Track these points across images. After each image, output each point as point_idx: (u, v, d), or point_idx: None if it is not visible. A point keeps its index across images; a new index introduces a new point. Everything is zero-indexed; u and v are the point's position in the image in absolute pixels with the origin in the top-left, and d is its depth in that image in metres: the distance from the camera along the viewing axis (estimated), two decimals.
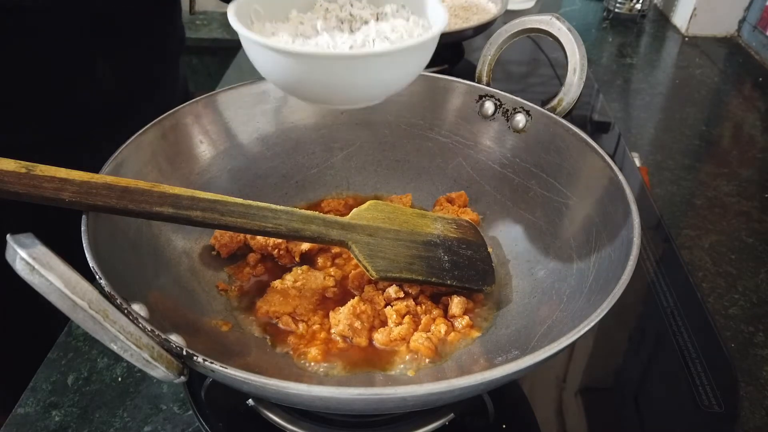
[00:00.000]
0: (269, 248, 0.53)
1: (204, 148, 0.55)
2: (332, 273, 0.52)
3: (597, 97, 0.94)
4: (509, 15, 0.87)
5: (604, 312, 0.34)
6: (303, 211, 0.45)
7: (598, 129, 0.85)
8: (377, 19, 0.43)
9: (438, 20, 0.42)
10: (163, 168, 0.51)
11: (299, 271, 0.51)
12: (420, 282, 0.48)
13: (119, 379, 0.49)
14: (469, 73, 0.60)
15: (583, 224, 0.48)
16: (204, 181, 0.54)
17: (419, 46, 0.39)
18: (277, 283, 0.50)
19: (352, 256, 0.47)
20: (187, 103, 0.53)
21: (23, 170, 0.37)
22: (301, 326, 0.47)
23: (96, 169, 0.42)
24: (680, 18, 1.26)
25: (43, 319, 0.54)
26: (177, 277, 0.48)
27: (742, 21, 1.20)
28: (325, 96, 0.42)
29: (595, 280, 0.42)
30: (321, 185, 0.61)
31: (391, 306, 0.48)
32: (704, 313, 0.55)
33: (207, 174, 0.55)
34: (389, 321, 0.47)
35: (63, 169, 0.39)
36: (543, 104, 0.55)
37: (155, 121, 0.50)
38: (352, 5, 0.44)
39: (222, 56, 1.46)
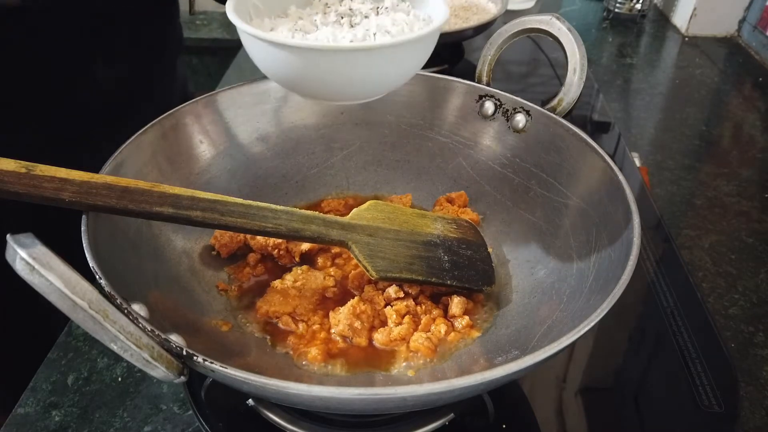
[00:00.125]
0: (269, 248, 0.53)
1: (204, 148, 0.55)
2: (332, 273, 0.52)
3: (597, 97, 0.94)
4: (509, 15, 0.87)
5: (604, 312, 0.34)
6: (303, 211, 0.45)
7: (598, 129, 0.85)
8: (377, 13, 0.43)
9: (439, 14, 0.42)
10: (163, 168, 0.51)
11: (299, 271, 0.51)
12: (420, 282, 0.48)
13: (119, 379, 0.49)
14: (469, 73, 0.60)
15: (583, 224, 0.48)
16: (204, 181, 0.54)
17: (420, 39, 0.39)
18: (277, 283, 0.50)
19: (352, 256, 0.47)
20: (187, 103, 0.53)
21: (23, 170, 0.37)
22: (301, 326, 0.47)
23: (96, 169, 0.42)
24: (680, 18, 1.26)
25: (43, 319, 0.54)
26: (177, 277, 0.48)
27: (742, 21, 1.20)
28: (325, 91, 0.42)
29: (595, 280, 0.42)
30: (321, 185, 0.61)
31: (391, 306, 0.48)
32: (704, 313, 0.55)
33: (207, 174, 0.55)
34: (389, 321, 0.47)
35: (63, 169, 0.39)
36: (543, 104, 0.55)
37: (155, 121, 0.50)
38: (352, 0, 0.44)
39: (222, 56, 1.46)
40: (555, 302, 0.45)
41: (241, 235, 0.53)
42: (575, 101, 0.54)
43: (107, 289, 0.33)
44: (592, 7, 1.37)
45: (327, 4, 0.44)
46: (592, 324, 0.33)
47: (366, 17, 0.42)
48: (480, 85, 0.58)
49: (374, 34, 0.39)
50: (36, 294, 0.29)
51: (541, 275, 0.50)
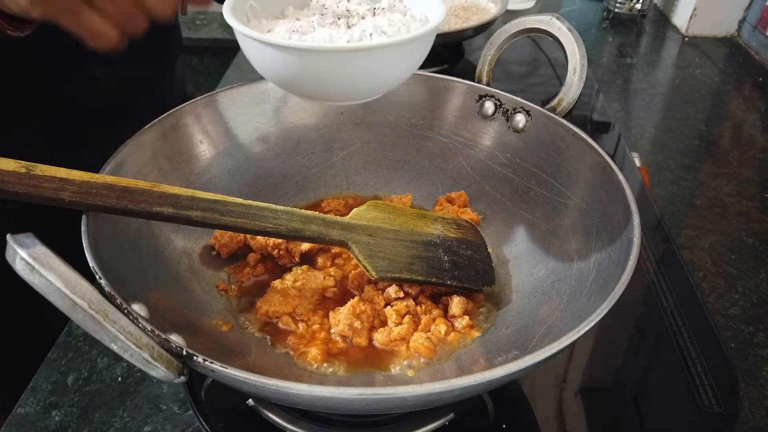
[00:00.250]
0: (269, 248, 0.53)
1: (204, 148, 0.55)
2: (332, 273, 0.52)
3: (597, 97, 0.94)
4: (509, 15, 0.87)
5: (604, 312, 0.34)
6: (303, 211, 0.45)
7: (598, 129, 0.85)
8: (374, 14, 0.43)
9: (436, 14, 0.42)
10: (163, 168, 0.51)
11: (299, 271, 0.51)
12: (420, 282, 0.48)
13: (119, 379, 0.49)
14: (469, 73, 0.60)
15: (583, 224, 0.48)
16: (204, 181, 0.54)
17: (417, 39, 0.39)
18: (277, 283, 0.50)
19: (352, 256, 0.47)
20: (187, 103, 0.53)
21: (23, 170, 0.37)
22: (301, 326, 0.47)
23: (96, 169, 0.42)
24: (680, 18, 1.26)
25: (43, 319, 0.54)
26: (177, 277, 0.48)
27: (742, 21, 1.20)
28: (322, 92, 0.42)
29: (595, 280, 0.42)
30: (321, 185, 0.61)
31: (391, 306, 0.48)
32: (704, 313, 0.55)
33: (207, 174, 0.55)
34: (389, 321, 0.47)
35: (63, 169, 0.39)
36: (543, 104, 0.55)
37: (155, 121, 0.51)
38: (348, 1, 0.44)
39: (222, 56, 1.46)
40: (555, 302, 0.45)
41: (241, 235, 0.53)
42: (575, 101, 0.54)
43: (107, 289, 0.33)
44: (592, 7, 1.37)
45: (324, 5, 0.44)
46: (592, 324, 0.33)
47: (363, 18, 0.42)
48: (480, 85, 0.58)
49: (370, 35, 0.39)
50: (36, 294, 0.29)
51: (541, 275, 0.50)
